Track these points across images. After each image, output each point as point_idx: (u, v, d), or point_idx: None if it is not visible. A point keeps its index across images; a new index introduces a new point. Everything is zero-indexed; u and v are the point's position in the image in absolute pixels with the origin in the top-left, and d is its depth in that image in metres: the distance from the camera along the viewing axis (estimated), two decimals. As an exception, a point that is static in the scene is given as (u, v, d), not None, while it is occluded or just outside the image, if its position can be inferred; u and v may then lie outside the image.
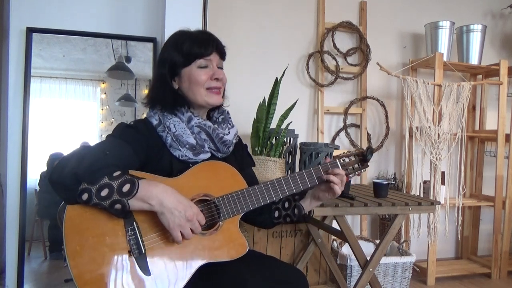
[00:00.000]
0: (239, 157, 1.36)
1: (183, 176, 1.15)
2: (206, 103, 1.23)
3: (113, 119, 2.41)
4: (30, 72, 2.20)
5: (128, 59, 2.39)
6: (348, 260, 2.33)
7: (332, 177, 1.21)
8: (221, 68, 1.28)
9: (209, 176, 1.18)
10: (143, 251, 1.04)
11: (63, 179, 0.98)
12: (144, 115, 1.29)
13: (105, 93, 2.41)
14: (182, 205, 1.03)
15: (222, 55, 1.28)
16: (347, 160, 1.27)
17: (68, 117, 2.35)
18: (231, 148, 1.30)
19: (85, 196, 0.98)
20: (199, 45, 1.21)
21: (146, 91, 2.42)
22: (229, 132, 1.29)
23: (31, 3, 2.24)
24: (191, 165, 1.19)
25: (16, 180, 2.19)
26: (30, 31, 2.20)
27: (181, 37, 1.24)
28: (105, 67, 2.36)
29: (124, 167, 1.06)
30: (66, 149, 2.30)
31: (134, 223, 1.05)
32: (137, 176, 1.04)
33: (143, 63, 2.40)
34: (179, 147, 1.18)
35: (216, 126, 1.26)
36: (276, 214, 1.34)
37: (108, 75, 2.38)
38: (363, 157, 1.28)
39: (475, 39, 2.92)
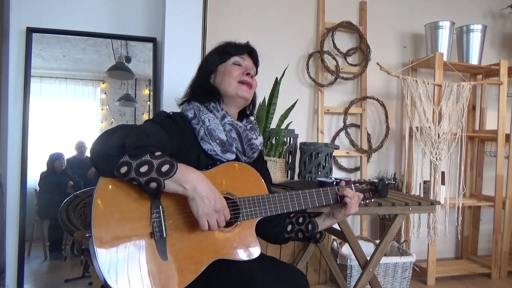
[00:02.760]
0: (259, 168, 1.39)
1: (211, 171, 1.20)
2: (236, 93, 1.30)
3: (113, 119, 2.41)
4: (30, 72, 2.20)
5: (128, 59, 2.39)
6: (348, 260, 2.33)
7: (345, 192, 1.28)
8: (255, 73, 1.39)
9: (234, 176, 1.22)
10: (164, 235, 1.05)
11: (107, 149, 1.00)
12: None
13: (105, 93, 2.41)
14: (213, 195, 1.06)
15: (256, 61, 1.40)
16: (360, 187, 1.34)
17: (68, 117, 2.35)
18: (255, 154, 1.36)
19: (123, 169, 0.99)
20: (235, 45, 1.36)
21: (146, 91, 2.42)
22: (256, 138, 1.36)
23: (31, 3, 2.24)
24: (218, 162, 1.24)
25: (16, 180, 2.19)
26: (30, 31, 2.20)
27: (222, 43, 1.39)
28: (105, 67, 2.36)
29: (161, 151, 1.09)
30: (66, 149, 2.32)
31: (160, 206, 1.07)
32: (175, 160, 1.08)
33: (143, 63, 2.40)
34: (210, 141, 1.23)
35: (245, 127, 1.34)
36: (289, 228, 1.37)
37: (108, 75, 2.38)
38: (375, 188, 1.35)
39: (475, 39, 2.92)
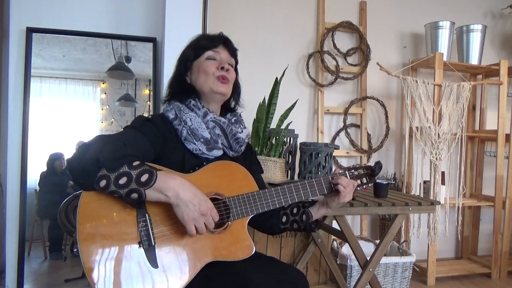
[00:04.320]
0: (249, 160, 1.38)
1: (197, 173, 1.17)
2: (211, 90, 1.27)
3: (113, 119, 2.41)
4: (30, 72, 2.19)
5: (128, 59, 2.39)
6: (348, 260, 2.33)
7: (340, 180, 1.24)
8: (232, 65, 1.33)
9: (221, 175, 1.20)
10: (153, 244, 1.05)
11: (84, 164, 0.98)
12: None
13: (105, 93, 2.41)
14: (198, 199, 1.04)
15: (232, 51, 1.34)
16: (356, 173, 1.31)
17: (68, 117, 2.35)
18: (243, 148, 1.34)
19: (102, 183, 0.98)
20: (207, 38, 1.32)
21: (146, 91, 2.42)
22: (242, 131, 1.33)
23: (31, 3, 2.24)
24: (204, 162, 1.21)
25: (16, 180, 2.19)
26: (30, 31, 2.20)
27: (196, 37, 1.36)
28: (105, 67, 2.36)
29: (142, 158, 1.07)
30: (66, 149, 2.32)
31: (147, 215, 1.06)
32: (155, 167, 1.06)
33: (143, 63, 2.40)
34: (194, 140, 1.21)
35: (229, 123, 1.31)
36: (284, 219, 1.35)
37: (108, 75, 2.38)
38: (371, 172, 1.32)
39: (475, 39, 2.92)
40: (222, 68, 1.27)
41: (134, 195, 1.00)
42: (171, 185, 1.02)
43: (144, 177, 1.00)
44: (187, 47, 1.34)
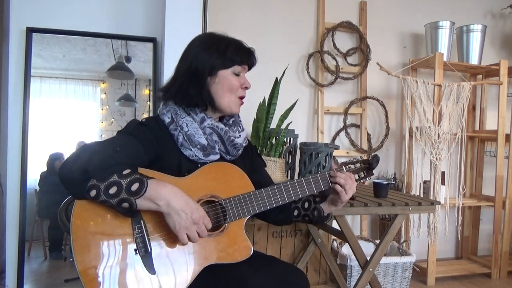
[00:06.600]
0: (248, 161, 1.37)
1: (192, 176, 1.16)
2: (230, 109, 1.24)
3: (113, 119, 2.41)
4: (30, 72, 2.20)
5: (128, 59, 2.39)
6: (348, 260, 2.33)
7: (338, 179, 1.23)
8: None
9: (217, 177, 1.19)
10: (149, 250, 1.04)
11: (72, 174, 0.97)
12: (145, 115, 1.29)
13: (105, 93, 2.41)
14: (189, 207, 1.03)
15: (251, 68, 1.32)
16: (352, 167, 1.30)
17: (68, 117, 2.35)
18: (240, 151, 1.31)
19: (93, 193, 0.97)
20: (242, 53, 1.24)
21: (146, 91, 2.42)
22: (239, 135, 1.30)
23: (31, 3, 2.24)
24: (199, 165, 1.20)
25: (16, 180, 2.19)
26: (30, 31, 2.20)
27: (223, 40, 1.25)
28: (105, 67, 2.36)
29: (134, 164, 1.06)
30: (66, 149, 2.32)
31: (142, 221, 1.05)
32: (146, 175, 1.04)
33: (143, 63, 2.40)
34: (190, 146, 1.18)
35: (227, 128, 1.26)
36: (295, 213, 1.35)
37: (108, 75, 2.38)
38: (368, 165, 1.31)
39: (475, 39, 2.92)
40: (246, 88, 1.25)
41: (125, 205, 0.99)
42: (162, 194, 1.01)
43: (135, 186, 0.99)
44: (212, 51, 1.21)
